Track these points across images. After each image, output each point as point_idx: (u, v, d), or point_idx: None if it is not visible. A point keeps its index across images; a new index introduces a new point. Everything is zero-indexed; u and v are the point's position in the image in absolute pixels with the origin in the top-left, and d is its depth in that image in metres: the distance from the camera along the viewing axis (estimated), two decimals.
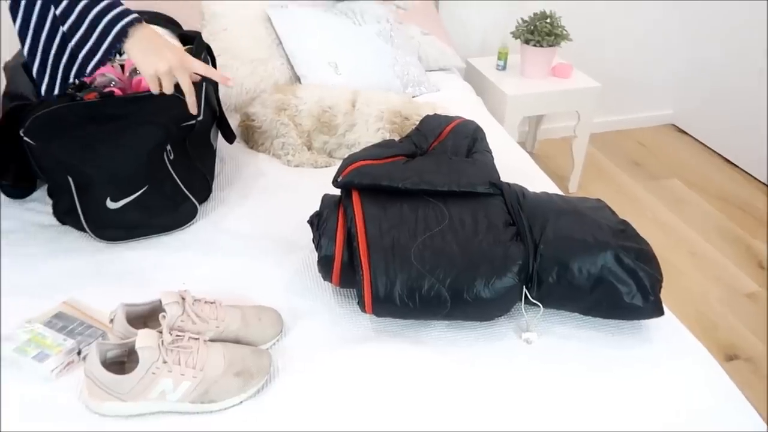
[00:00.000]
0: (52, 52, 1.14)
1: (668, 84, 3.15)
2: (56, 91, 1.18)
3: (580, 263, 1.09)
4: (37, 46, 1.14)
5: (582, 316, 1.15)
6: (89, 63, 1.13)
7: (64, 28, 1.09)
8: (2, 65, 1.43)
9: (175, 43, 1.59)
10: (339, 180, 1.20)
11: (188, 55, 1.17)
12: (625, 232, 1.16)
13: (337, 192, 1.24)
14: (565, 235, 1.13)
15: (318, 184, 1.49)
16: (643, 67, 3.05)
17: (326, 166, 1.66)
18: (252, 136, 1.73)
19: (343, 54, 2.01)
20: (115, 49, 1.12)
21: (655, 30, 2.96)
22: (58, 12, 1.09)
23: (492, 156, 1.38)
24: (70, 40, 1.11)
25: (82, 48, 1.11)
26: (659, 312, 1.11)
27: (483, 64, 2.56)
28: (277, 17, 2.02)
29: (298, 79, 1.98)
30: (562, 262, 1.10)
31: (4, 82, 1.36)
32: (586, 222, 1.16)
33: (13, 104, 1.26)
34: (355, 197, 1.17)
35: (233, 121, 1.79)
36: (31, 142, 1.23)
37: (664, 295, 1.12)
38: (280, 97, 1.75)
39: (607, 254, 1.09)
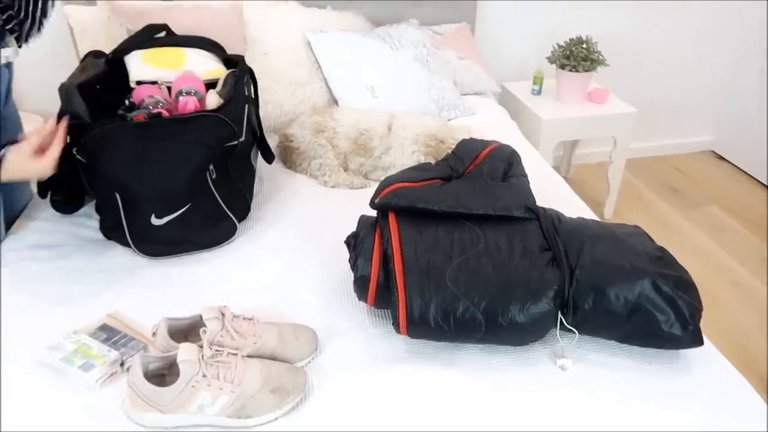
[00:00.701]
0: None
1: (707, 110, 3.11)
2: None
3: (616, 290, 1.08)
4: None
5: (618, 344, 1.14)
6: None
7: None
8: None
9: (219, 66, 1.65)
10: (376, 202, 1.22)
11: (39, 156, 1.20)
12: (663, 259, 1.15)
13: (374, 213, 1.26)
14: (601, 260, 1.12)
15: (354, 205, 1.51)
16: (681, 92, 3.02)
17: (362, 188, 1.69)
18: (290, 157, 1.77)
19: (380, 78, 2.04)
20: None
21: (693, 55, 2.93)
22: None
23: (528, 180, 1.39)
24: None
25: None
26: (698, 342, 1.09)
27: (518, 88, 2.57)
28: (317, 42, 2.08)
29: (335, 102, 2.03)
30: (599, 288, 1.09)
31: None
32: (624, 248, 1.15)
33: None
34: (392, 219, 1.19)
35: (272, 142, 1.84)
36: (83, 159, 1.29)
37: (704, 325, 1.10)
38: (318, 120, 1.79)
39: (644, 281, 1.08)
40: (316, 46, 2.07)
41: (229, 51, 1.78)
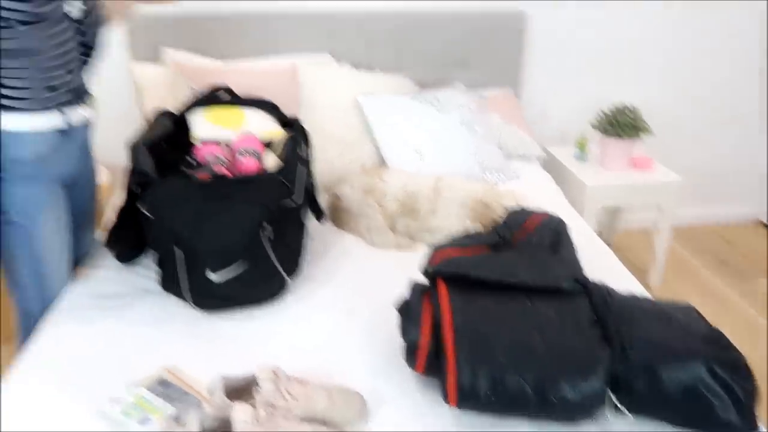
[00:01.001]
0: None
1: (754, 179, 3.07)
2: None
3: (669, 371, 1.07)
4: None
5: (670, 426, 1.11)
6: None
7: None
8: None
9: (276, 127, 1.73)
10: (429, 270, 1.25)
11: None
12: (717, 341, 1.13)
13: (425, 280, 1.28)
14: (654, 340, 1.11)
15: (401, 266, 1.53)
16: (726, 161, 3.00)
17: (409, 249, 1.72)
18: (339, 216, 1.82)
19: (428, 141, 2.10)
20: None
21: (740, 123, 2.92)
22: None
23: (576, 251, 1.40)
24: None
25: None
26: (754, 429, 1.06)
27: (562, 153, 2.60)
28: (367, 104, 2.16)
29: (384, 163, 2.08)
30: (651, 369, 1.08)
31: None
32: (677, 328, 1.14)
33: (135, 180, 1.40)
34: (443, 287, 1.20)
35: (322, 201, 1.89)
36: (148, 214, 1.36)
37: (761, 411, 1.07)
38: (368, 180, 1.84)
39: (699, 364, 1.06)
40: (367, 108, 2.15)
41: (284, 110, 1.87)
